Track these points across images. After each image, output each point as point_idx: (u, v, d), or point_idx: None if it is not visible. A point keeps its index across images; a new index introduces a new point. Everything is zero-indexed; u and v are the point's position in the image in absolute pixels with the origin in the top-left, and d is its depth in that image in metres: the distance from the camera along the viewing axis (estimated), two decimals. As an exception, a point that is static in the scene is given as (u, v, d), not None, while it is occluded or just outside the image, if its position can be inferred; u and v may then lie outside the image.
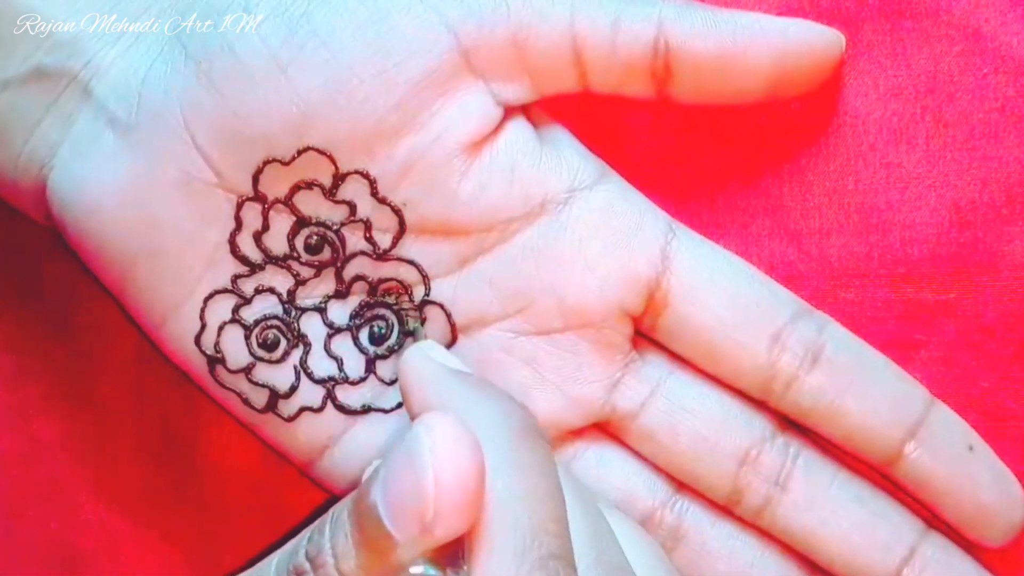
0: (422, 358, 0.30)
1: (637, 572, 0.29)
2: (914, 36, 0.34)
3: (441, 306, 0.33)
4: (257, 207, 0.32)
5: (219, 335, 0.33)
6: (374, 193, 0.32)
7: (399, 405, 0.33)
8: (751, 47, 0.32)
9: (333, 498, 0.34)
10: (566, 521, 0.27)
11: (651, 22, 0.32)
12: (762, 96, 0.33)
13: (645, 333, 0.34)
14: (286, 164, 0.32)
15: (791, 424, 0.34)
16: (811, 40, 0.33)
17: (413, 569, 0.26)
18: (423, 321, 0.33)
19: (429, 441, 0.25)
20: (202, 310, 0.33)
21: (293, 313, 0.33)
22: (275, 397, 0.33)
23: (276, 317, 0.33)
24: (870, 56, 0.35)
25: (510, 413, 0.28)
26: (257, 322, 0.33)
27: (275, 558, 0.27)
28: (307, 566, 0.26)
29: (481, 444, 0.26)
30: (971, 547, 0.33)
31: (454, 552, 0.26)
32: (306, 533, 0.27)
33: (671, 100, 0.33)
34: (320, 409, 0.33)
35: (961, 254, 0.34)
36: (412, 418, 0.29)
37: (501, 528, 0.26)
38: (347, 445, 0.33)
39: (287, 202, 0.32)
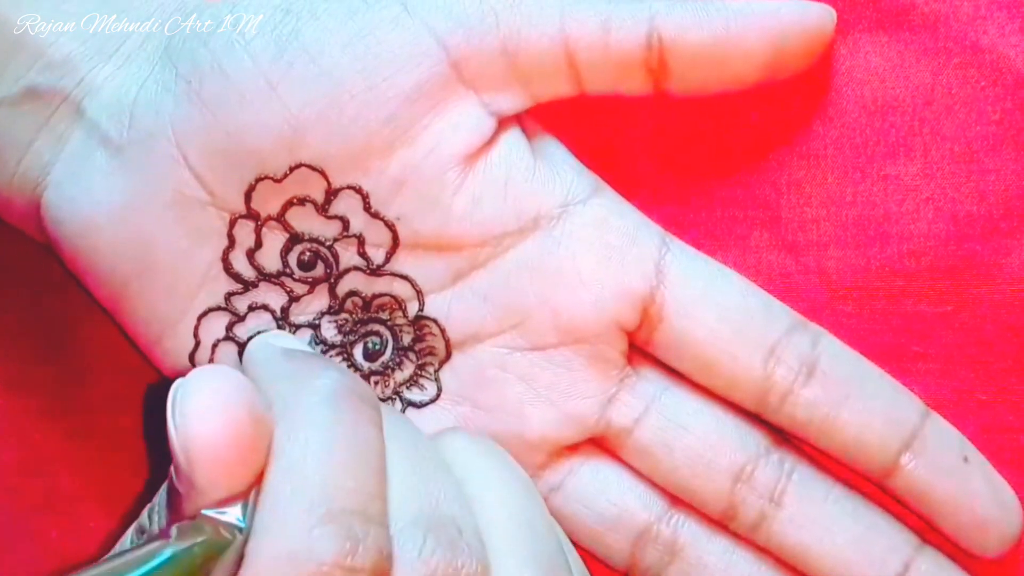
0: (262, 342, 0.32)
1: (493, 528, 0.30)
2: (912, 49, 0.34)
3: (435, 321, 0.33)
4: (250, 224, 0.32)
5: (213, 352, 0.33)
6: (367, 208, 0.32)
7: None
8: (745, 33, 0.32)
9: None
10: (377, 481, 0.28)
11: (642, 18, 0.32)
12: (758, 80, 0.32)
13: (640, 347, 0.34)
14: (278, 181, 0.32)
15: (786, 438, 0.34)
16: (803, 19, 0.32)
17: (205, 512, 0.27)
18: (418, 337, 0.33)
19: (180, 397, 0.27)
20: (196, 328, 0.33)
21: (287, 330, 0.33)
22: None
23: (270, 334, 0.33)
24: (868, 68, 0.34)
25: (328, 380, 0.29)
26: (251, 339, 0.33)
27: (135, 524, 0.29)
28: (147, 523, 0.28)
29: (270, 402, 0.28)
30: (967, 558, 0.33)
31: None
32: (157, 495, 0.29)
33: (668, 94, 0.33)
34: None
35: (959, 266, 0.34)
36: None
37: (288, 483, 0.27)
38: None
39: (280, 219, 0.32)
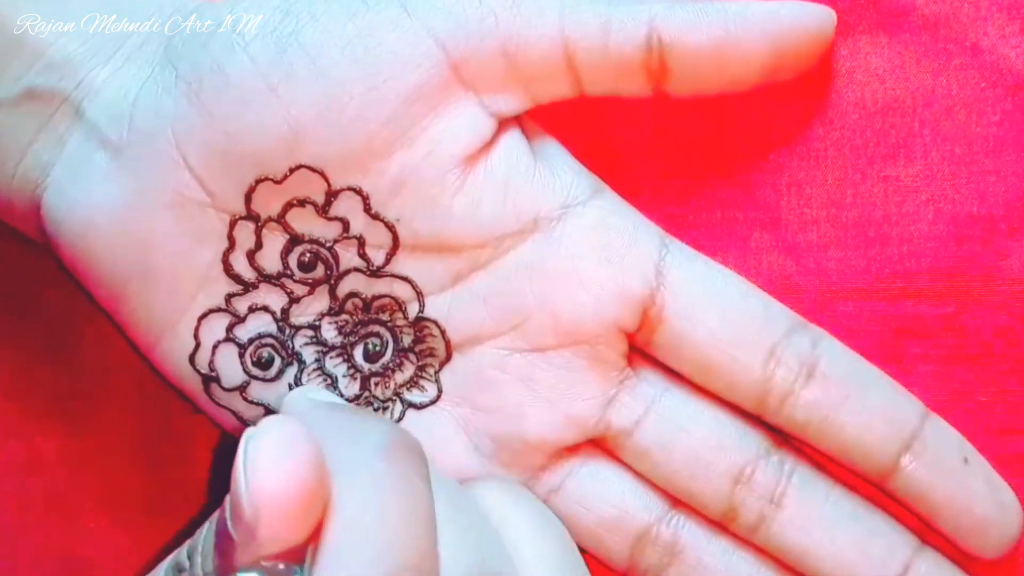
0: (302, 397, 0.32)
1: (529, 573, 0.30)
2: (912, 50, 0.34)
3: (435, 323, 0.33)
4: (250, 226, 0.32)
5: (213, 354, 0.33)
6: (367, 209, 0.32)
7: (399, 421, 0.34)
8: (745, 35, 0.32)
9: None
10: (429, 536, 0.28)
11: (642, 20, 0.32)
12: (758, 82, 0.32)
13: (640, 349, 0.34)
14: (278, 182, 0.32)
15: (786, 439, 0.34)
16: (803, 20, 0.32)
17: (265, 564, 0.27)
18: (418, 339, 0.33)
19: (252, 448, 0.26)
20: (196, 329, 0.33)
21: (287, 331, 0.33)
22: (270, 415, 0.33)
23: (270, 335, 0.33)
24: (868, 69, 0.34)
25: (380, 432, 0.29)
26: (251, 340, 0.33)
27: (169, 559, 0.29)
28: (186, 563, 0.28)
29: (325, 456, 0.27)
30: (967, 559, 0.33)
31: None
32: (198, 534, 0.28)
33: (667, 96, 0.33)
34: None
35: (959, 268, 0.34)
36: None
37: (347, 539, 0.27)
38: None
39: (280, 220, 0.32)
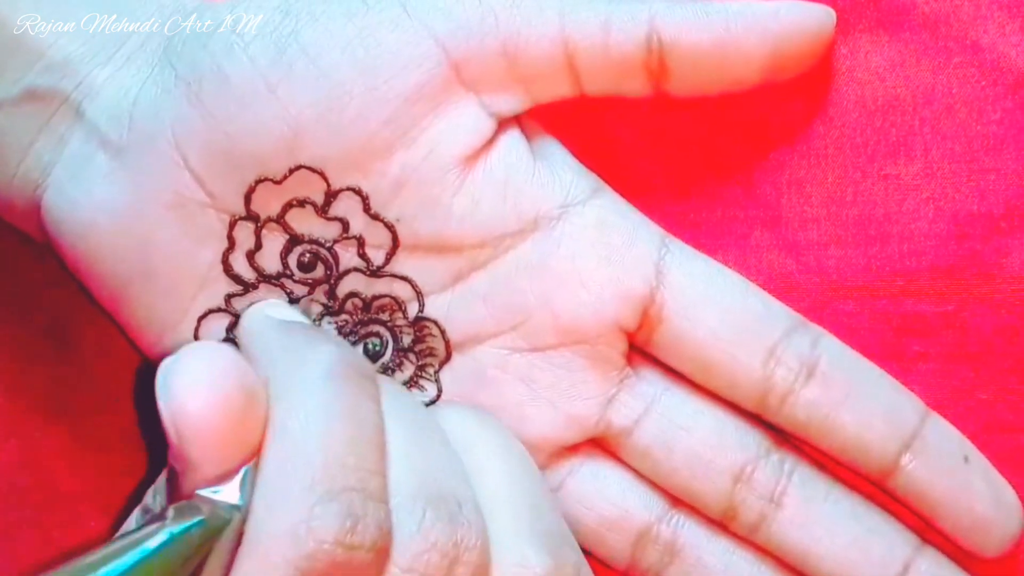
0: (258, 313, 0.32)
1: (492, 500, 0.30)
2: (913, 48, 0.34)
3: (435, 322, 0.33)
4: (250, 226, 0.32)
5: (214, 354, 0.33)
6: (367, 209, 0.32)
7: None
8: (745, 35, 0.32)
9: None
10: (376, 456, 0.28)
11: (642, 20, 0.32)
12: (758, 81, 0.32)
13: (640, 348, 0.34)
14: (278, 183, 0.32)
15: (786, 438, 0.34)
16: (803, 20, 0.32)
17: (200, 492, 0.27)
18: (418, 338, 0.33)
19: (167, 373, 0.27)
20: (196, 329, 0.33)
21: None
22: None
23: (270, 335, 0.33)
24: (868, 68, 0.34)
25: (326, 354, 0.29)
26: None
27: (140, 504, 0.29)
28: (150, 501, 0.28)
29: (270, 379, 0.28)
30: (967, 558, 0.33)
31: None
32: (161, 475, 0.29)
33: (667, 96, 0.33)
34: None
35: (959, 266, 0.34)
36: None
37: (288, 461, 0.27)
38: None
39: (280, 220, 0.32)
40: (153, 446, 0.37)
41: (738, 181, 0.35)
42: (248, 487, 0.27)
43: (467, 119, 0.32)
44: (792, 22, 0.32)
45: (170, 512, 0.27)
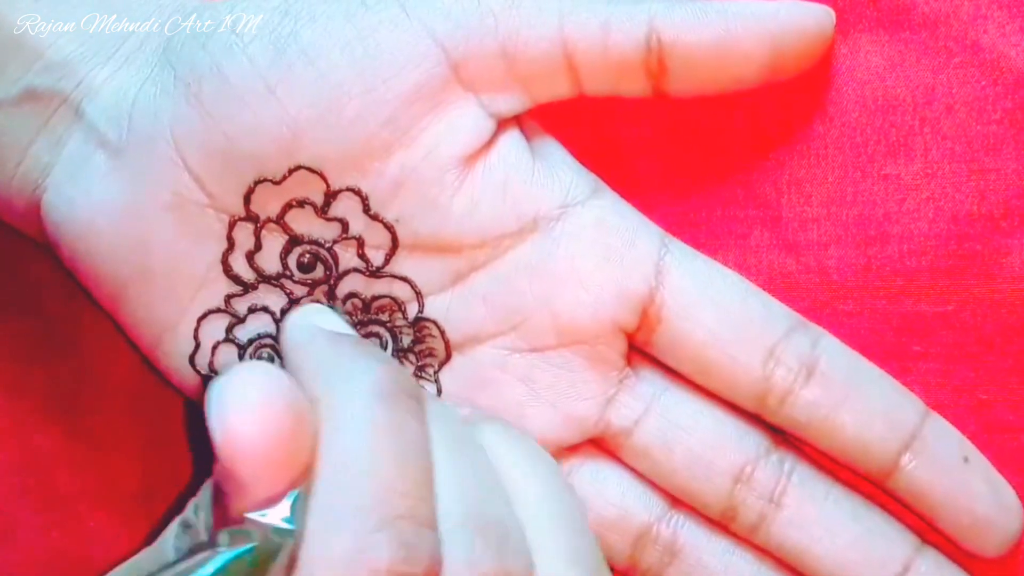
0: (303, 321, 0.31)
1: (535, 525, 0.30)
2: (912, 47, 0.34)
3: (435, 323, 0.33)
4: (249, 227, 0.32)
5: (213, 354, 0.33)
6: (366, 210, 0.32)
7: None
8: (745, 35, 0.32)
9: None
10: (425, 481, 0.28)
11: (642, 20, 0.32)
12: (758, 81, 0.32)
13: (639, 349, 0.34)
14: (277, 183, 0.32)
15: (786, 439, 0.34)
16: (803, 20, 0.32)
17: (249, 515, 0.27)
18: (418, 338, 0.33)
19: (218, 395, 0.26)
20: (196, 330, 0.33)
21: None
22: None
23: (270, 336, 0.33)
24: (868, 67, 0.34)
25: (375, 374, 0.29)
26: (251, 341, 0.33)
27: (179, 517, 0.29)
28: (193, 520, 0.28)
29: (316, 398, 0.27)
30: (967, 558, 0.33)
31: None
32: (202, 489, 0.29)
33: (667, 96, 0.33)
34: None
35: (959, 266, 0.34)
36: None
37: (339, 486, 0.27)
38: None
39: (279, 221, 0.32)
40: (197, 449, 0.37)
41: (738, 181, 0.35)
42: (298, 511, 0.27)
43: (466, 119, 0.32)
44: (792, 22, 0.32)
45: (224, 538, 0.26)
